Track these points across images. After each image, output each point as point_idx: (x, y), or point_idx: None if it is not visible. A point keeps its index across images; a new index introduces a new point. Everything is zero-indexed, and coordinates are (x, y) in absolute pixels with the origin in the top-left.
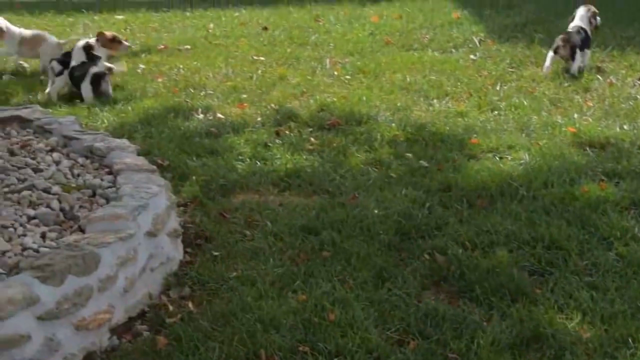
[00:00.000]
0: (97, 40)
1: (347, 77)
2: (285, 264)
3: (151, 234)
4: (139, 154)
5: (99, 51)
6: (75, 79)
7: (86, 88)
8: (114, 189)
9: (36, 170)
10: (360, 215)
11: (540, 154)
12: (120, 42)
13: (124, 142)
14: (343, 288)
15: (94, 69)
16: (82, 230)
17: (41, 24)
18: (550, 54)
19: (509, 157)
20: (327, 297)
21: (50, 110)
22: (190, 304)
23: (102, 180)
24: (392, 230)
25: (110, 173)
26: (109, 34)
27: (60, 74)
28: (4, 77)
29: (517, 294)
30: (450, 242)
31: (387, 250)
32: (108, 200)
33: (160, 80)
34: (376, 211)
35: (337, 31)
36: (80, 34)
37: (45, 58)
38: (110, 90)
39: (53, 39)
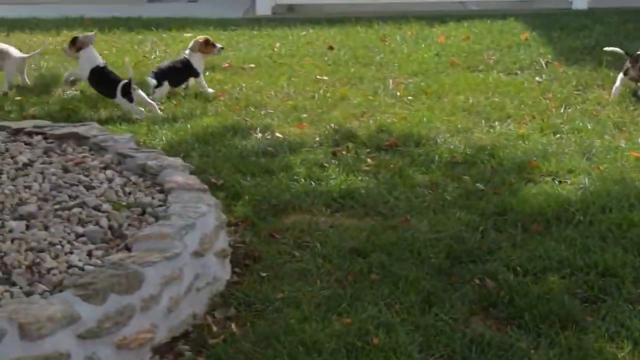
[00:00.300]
0: (192, 46)
1: (410, 97)
2: (332, 286)
3: (198, 254)
4: (192, 173)
5: (194, 56)
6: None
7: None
8: (164, 207)
9: (88, 187)
10: (412, 238)
11: (601, 178)
12: (213, 45)
13: (177, 160)
14: (389, 312)
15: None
16: (128, 248)
17: (109, 41)
18: (621, 75)
19: (568, 181)
20: (372, 320)
21: (110, 127)
22: (233, 325)
23: (152, 198)
24: (442, 254)
25: (161, 192)
26: (201, 38)
27: (159, 85)
28: (67, 93)
29: (567, 322)
30: (502, 267)
31: (436, 274)
32: (157, 218)
33: (222, 98)
34: (428, 234)
35: (403, 51)
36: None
37: (9, 72)
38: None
39: (17, 53)
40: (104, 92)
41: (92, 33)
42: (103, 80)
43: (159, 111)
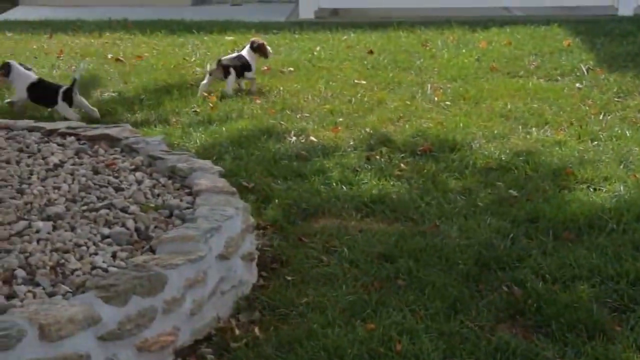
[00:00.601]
0: (252, 45)
1: (447, 102)
2: (357, 292)
3: (223, 257)
4: (224, 176)
5: (250, 54)
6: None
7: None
8: (191, 210)
9: (117, 189)
10: (441, 244)
11: (637, 186)
12: (267, 47)
13: (207, 163)
14: (413, 318)
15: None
16: (153, 250)
17: (151, 43)
18: None
19: (603, 189)
20: (395, 327)
21: (144, 129)
22: (257, 329)
23: (181, 201)
24: (471, 260)
25: (190, 194)
26: (261, 40)
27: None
28: (104, 94)
29: (595, 331)
30: (531, 274)
31: (464, 281)
32: (184, 221)
33: (258, 101)
34: (457, 240)
35: (443, 56)
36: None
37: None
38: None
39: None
40: (45, 103)
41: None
42: (43, 92)
43: (97, 115)
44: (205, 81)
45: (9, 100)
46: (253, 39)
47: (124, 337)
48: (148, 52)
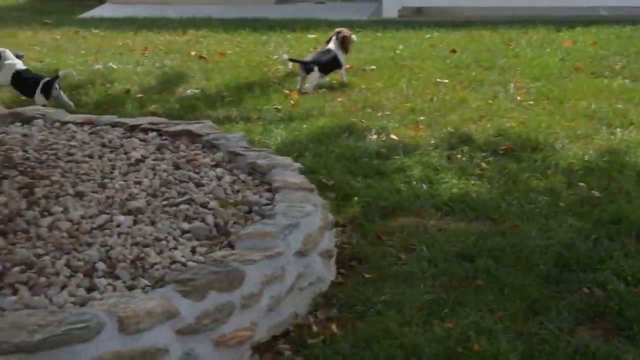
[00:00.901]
0: (337, 35)
1: (530, 102)
2: (435, 291)
3: (301, 254)
4: (303, 173)
5: (333, 45)
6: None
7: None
8: (270, 206)
9: (198, 184)
10: (520, 244)
11: None
12: (350, 40)
13: (287, 160)
14: (492, 318)
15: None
16: (231, 246)
17: (234, 41)
18: None
19: None
20: (473, 326)
21: (226, 126)
22: (334, 326)
23: (260, 197)
24: (551, 261)
25: (269, 190)
26: (347, 31)
27: (310, 71)
28: (187, 91)
29: None
30: (612, 276)
31: (543, 282)
32: (263, 217)
33: (339, 99)
34: (538, 241)
35: (527, 55)
36: None
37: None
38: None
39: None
40: (26, 92)
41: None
42: (24, 81)
43: (73, 107)
44: (300, 84)
45: None
46: (338, 29)
47: (201, 331)
48: (231, 50)
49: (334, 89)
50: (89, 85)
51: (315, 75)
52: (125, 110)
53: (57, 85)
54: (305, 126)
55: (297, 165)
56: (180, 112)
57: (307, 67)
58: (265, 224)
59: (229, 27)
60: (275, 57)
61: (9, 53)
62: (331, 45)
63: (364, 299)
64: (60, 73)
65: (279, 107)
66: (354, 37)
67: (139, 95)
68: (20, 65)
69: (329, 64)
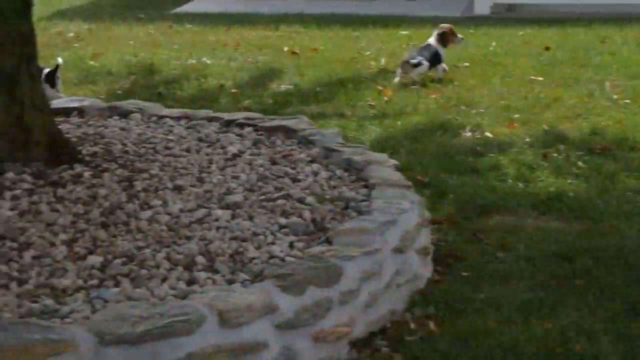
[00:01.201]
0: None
1: (627, 100)
2: (534, 290)
3: (398, 250)
4: (398, 170)
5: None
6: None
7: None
8: (366, 202)
9: (294, 180)
10: (620, 244)
11: None
12: (448, 36)
13: (383, 156)
14: (592, 319)
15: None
16: (329, 242)
17: (326, 37)
18: None
19: None
20: (573, 327)
21: (320, 122)
22: (432, 324)
23: (356, 193)
24: None
25: (365, 187)
26: (447, 27)
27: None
28: (280, 86)
29: None
30: None
31: None
32: (360, 213)
33: (433, 96)
34: (638, 241)
35: (623, 53)
36: None
37: None
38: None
39: None
40: None
41: None
42: None
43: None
44: (397, 78)
45: None
46: (442, 25)
47: (300, 326)
48: (323, 46)
49: (427, 86)
50: (183, 79)
51: (423, 68)
52: (220, 105)
53: (58, 75)
54: (399, 123)
55: (393, 161)
56: (274, 107)
57: (415, 62)
58: (363, 220)
59: (321, 23)
60: (368, 53)
61: None
62: (431, 41)
63: (462, 297)
64: (60, 62)
65: (372, 103)
66: (460, 36)
67: (233, 90)
68: None
69: (431, 59)
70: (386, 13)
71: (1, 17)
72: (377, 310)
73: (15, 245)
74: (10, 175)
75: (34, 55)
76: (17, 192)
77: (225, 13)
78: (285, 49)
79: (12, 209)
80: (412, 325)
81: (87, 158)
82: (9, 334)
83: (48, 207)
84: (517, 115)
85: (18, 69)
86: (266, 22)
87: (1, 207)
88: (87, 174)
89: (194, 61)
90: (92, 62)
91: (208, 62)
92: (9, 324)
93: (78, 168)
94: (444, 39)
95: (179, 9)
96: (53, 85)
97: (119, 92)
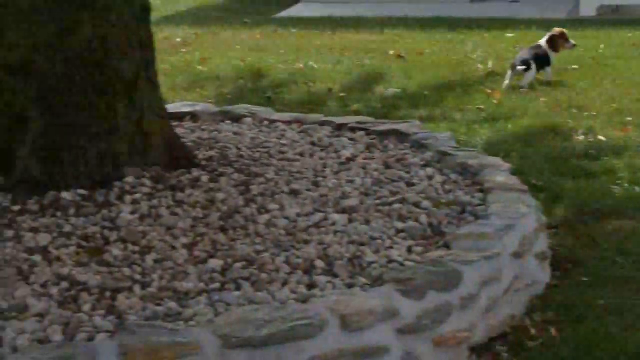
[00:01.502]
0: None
1: None
2: None
3: (517, 255)
4: (512, 173)
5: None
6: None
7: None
8: (483, 207)
9: (409, 184)
10: None
11: None
12: (558, 40)
13: (497, 160)
14: None
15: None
16: (447, 246)
17: (431, 40)
18: None
19: None
20: None
21: (429, 126)
22: (552, 330)
23: (472, 197)
24: None
25: (481, 191)
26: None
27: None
28: (388, 90)
29: None
30: None
31: None
32: (477, 218)
33: (542, 99)
34: None
35: None
36: None
37: None
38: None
39: None
40: None
41: None
42: None
43: None
44: (507, 81)
45: None
46: (555, 28)
47: (421, 331)
48: (429, 49)
49: (536, 89)
50: (291, 83)
51: (532, 72)
52: (328, 108)
53: None
54: (509, 126)
55: (508, 165)
56: (382, 111)
57: (524, 64)
58: (482, 224)
59: (425, 26)
60: (475, 56)
61: None
62: (542, 42)
63: (582, 302)
64: None
65: (481, 106)
66: (572, 42)
67: (341, 94)
68: None
69: (540, 61)
70: (490, 15)
71: (121, 23)
72: (496, 315)
73: (137, 248)
74: (130, 179)
75: (153, 60)
76: (137, 196)
77: (329, 17)
78: (391, 52)
79: (132, 213)
80: (533, 331)
81: (204, 162)
82: (136, 336)
83: (168, 211)
84: (630, 119)
85: (137, 75)
86: (370, 25)
87: (122, 211)
88: (204, 179)
89: (300, 65)
90: (200, 67)
91: (315, 66)
92: (136, 327)
93: (195, 172)
94: (554, 43)
95: (282, 14)
96: None
97: (228, 96)
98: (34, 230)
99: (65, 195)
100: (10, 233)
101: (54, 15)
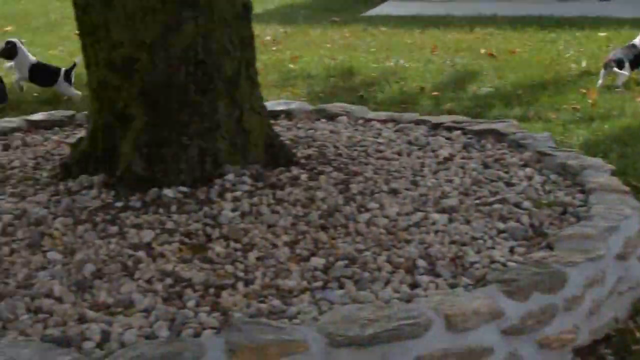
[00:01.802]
0: None
1: None
2: None
3: (620, 257)
4: (613, 174)
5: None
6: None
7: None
8: (585, 208)
9: (508, 184)
10: None
11: None
12: None
13: (598, 161)
14: None
15: None
16: (550, 247)
17: (522, 38)
18: None
19: None
20: None
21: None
22: None
23: (573, 198)
24: None
25: (582, 192)
26: None
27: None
28: (482, 89)
29: None
30: None
31: None
32: (578, 219)
33: (639, 99)
34: None
35: None
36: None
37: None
38: None
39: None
40: (45, 82)
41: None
42: (42, 72)
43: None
44: (601, 80)
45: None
46: None
47: (525, 332)
48: (520, 48)
49: (632, 89)
50: (383, 82)
51: (626, 72)
52: (421, 107)
53: (72, 73)
54: (606, 126)
55: (609, 166)
56: (476, 110)
57: (617, 63)
58: (585, 225)
59: (515, 25)
60: (567, 55)
61: (23, 48)
62: (636, 41)
63: None
64: (77, 62)
65: (576, 106)
66: None
67: (434, 93)
68: (32, 58)
69: (635, 60)
70: (579, 14)
71: (223, 21)
72: (600, 317)
73: (239, 246)
74: (230, 177)
75: (253, 59)
76: (238, 193)
77: (418, 15)
78: (482, 51)
79: (233, 210)
80: (638, 334)
81: (302, 161)
82: (242, 333)
83: (268, 209)
84: None
85: (238, 74)
86: (460, 24)
87: (224, 208)
88: (303, 177)
89: (391, 64)
90: (291, 65)
91: (406, 64)
92: (242, 324)
93: (294, 170)
94: None
95: (370, 12)
96: (70, 82)
97: (320, 94)
98: (137, 227)
99: (167, 192)
100: (114, 229)
101: (159, 14)
